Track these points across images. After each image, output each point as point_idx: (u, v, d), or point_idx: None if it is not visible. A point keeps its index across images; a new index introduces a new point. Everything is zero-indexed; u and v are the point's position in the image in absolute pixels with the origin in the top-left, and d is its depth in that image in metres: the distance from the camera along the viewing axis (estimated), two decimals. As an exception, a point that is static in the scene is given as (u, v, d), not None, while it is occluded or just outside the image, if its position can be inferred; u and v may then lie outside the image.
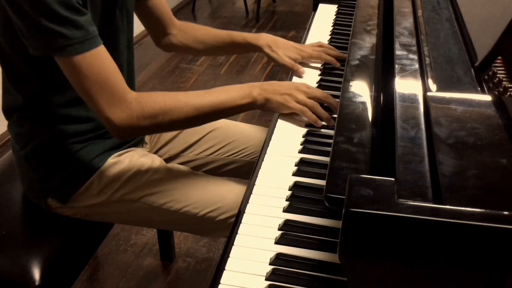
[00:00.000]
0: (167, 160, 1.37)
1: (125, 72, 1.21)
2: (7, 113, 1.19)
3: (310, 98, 1.14)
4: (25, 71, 1.09)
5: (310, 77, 1.34)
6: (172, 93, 1.09)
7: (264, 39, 1.39)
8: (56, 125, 1.16)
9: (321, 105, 1.14)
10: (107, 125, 1.04)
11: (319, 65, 1.38)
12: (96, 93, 0.99)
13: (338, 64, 1.35)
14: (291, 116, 1.15)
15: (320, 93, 1.15)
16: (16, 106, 1.16)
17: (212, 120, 1.16)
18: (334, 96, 1.15)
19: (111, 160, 1.21)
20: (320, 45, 1.41)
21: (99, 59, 0.99)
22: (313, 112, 1.12)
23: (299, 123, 1.14)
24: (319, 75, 1.34)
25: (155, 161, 1.24)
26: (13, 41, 1.02)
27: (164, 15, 1.39)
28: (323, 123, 1.13)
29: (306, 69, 1.35)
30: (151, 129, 1.08)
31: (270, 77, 3.23)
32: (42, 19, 0.93)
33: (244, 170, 1.37)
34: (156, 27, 1.41)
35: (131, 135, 1.09)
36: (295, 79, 1.33)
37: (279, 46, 1.38)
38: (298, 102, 1.13)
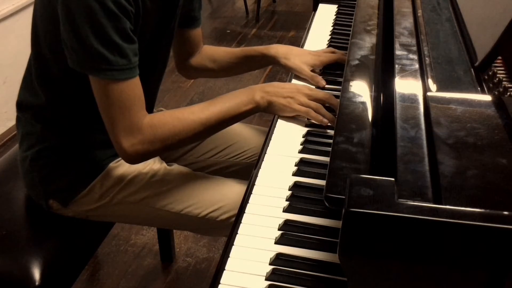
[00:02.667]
0: (167, 163, 1.37)
1: (150, 92, 1.22)
2: (21, 108, 1.19)
3: (312, 100, 1.13)
4: (57, 75, 1.09)
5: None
6: (179, 112, 1.10)
7: (277, 48, 1.35)
8: (67, 131, 1.16)
9: (324, 106, 1.14)
10: (118, 149, 1.05)
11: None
12: (116, 118, 1.01)
13: None
14: (291, 116, 1.15)
15: (322, 94, 1.15)
16: (34, 104, 1.16)
17: (219, 130, 1.16)
18: (335, 96, 1.15)
19: (112, 164, 1.21)
20: (333, 51, 1.37)
21: (130, 89, 1.00)
22: (318, 113, 1.12)
23: (299, 123, 1.14)
24: (319, 75, 1.34)
25: (156, 162, 1.24)
26: (56, 46, 1.02)
27: (198, 41, 1.39)
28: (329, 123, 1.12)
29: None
30: (161, 151, 1.09)
31: (270, 77, 3.23)
32: (92, 38, 0.94)
33: (245, 172, 1.37)
34: (185, 51, 1.40)
35: (141, 160, 1.10)
36: (295, 79, 1.33)
37: (294, 54, 1.33)
38: (301, 104, 1.12)
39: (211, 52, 1.42)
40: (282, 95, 1.13)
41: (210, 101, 1.11)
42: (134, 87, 1.01)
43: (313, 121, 1.13)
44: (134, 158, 1.06)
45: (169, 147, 1.09)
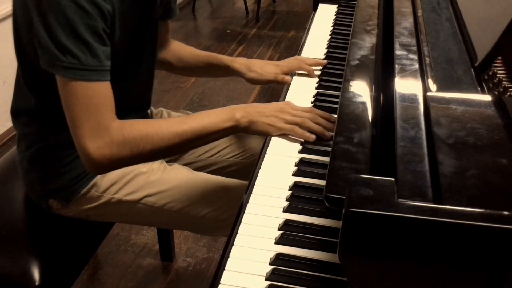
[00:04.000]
0: (168, 162, 1.37)
1: (142, 89, 1.21)
2: (16, 114, 1.19)
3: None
4: (42, 76, 1.09)
5: (311, 78, 1.34)
6: (154, 120, 1.08)
7: (240, 61, 1.38)
8: (63, 130, 1.16)
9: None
10: (82, 154, 0.99)
11: (319, 67, 1.38)
12: (82, 118, 0.97)
13: (314, 75, 1.34)
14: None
15: (307, 114, 1.10)
16: (27, 108, 1.15)
17: (195, 146, 1.13)
18: (334, 96, 1.14)
19: None
20: (296, 58, 1.39)
21: (99, 90, 0.98)
22: (305, 127, 1.08)
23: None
24: (319, 75, 1.34)
25: (156, 162, 1.24)
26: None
27: (165, 33, 1.39)
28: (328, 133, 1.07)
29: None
30: (130, 159, 1.03)
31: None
32: (62, 34, 0.92)
33: (245, 172, 1.37)
34: None
35: (108, 167, 1.03)
36: (295, 80, 1.33)
37: (256, 66, 1.37)
38: (287, 122, 1.08)
39: (179, 51, 1.43)
40: (265, 115, 1.09)
41: (189, 115, 1.10)
42: (104, 89, 0.98)
43: (299, 138, 1.08)
44: (100, 164, 0.99)
45: (140, 156, 1.02)
